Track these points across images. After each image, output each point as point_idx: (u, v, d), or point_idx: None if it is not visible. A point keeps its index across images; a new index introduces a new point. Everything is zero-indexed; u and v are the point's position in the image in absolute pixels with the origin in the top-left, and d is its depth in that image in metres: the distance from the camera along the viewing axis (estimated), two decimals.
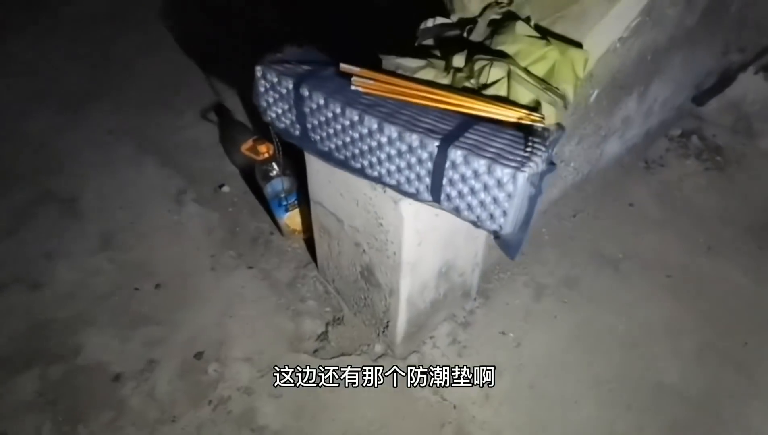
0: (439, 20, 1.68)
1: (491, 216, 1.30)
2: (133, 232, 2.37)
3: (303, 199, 1.99)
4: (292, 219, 2.14)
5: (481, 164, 1.25)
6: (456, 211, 1.36)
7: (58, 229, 2.39)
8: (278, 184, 2.03)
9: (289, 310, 2.05)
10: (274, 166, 2.03)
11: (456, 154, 1.27)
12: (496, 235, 1.37)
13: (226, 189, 2.53)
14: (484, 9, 1.62)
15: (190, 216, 2.43)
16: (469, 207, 1.32)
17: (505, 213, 1.28)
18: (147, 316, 2.07)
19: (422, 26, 1.68)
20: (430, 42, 1.62)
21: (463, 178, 1.29)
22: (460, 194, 1.32)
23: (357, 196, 1.61)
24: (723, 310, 2.06)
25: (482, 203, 1.29)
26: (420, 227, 1.52)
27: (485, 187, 1.27)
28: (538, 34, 1.50)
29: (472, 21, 1.62)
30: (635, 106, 2.32)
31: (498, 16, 1.60)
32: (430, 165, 1.32)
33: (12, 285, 2.16)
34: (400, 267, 1.59)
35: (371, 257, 1.70)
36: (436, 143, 1.30)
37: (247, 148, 1.99)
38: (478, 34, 1.57)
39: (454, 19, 1.69)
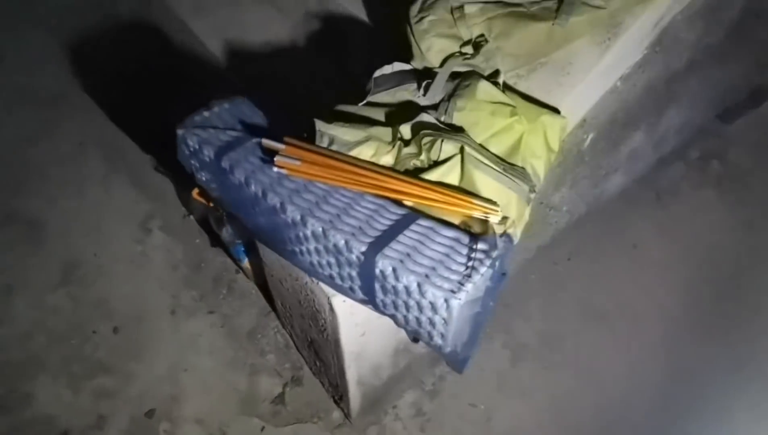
0: (398, 66, 1.43)
1: (429, 335, 1.10)
2: (96, 264, 2.25)
3: (254, 249, 1.81)
4: (247, 267, 1.98)
5: (411, 281, 1.04)
6: (394, 320, 1.17)
7: (20, 257, 2.29)
8: (230, 233, 1.86)
9: (246, 365, 1.91)
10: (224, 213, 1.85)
11: (384, 265, 1.07)
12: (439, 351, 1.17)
13: (193, 217, 2.37)
14: (446, 59, 1.37)
15: (156, 247, 2.29)
16: (406, 320, 1.13)
17: (443, 335, 1.08)
18: (102, 364, 1.96)
19: (377, 73, 1.43)
20: (380, 97, 1.38)
21: (395, 291, 1.09)
22: (395, 305, 1.12)
23: (297, 274, 1.43)
24: None
25: (418, 321, 1.10)
26: (360, 320, 1.33)
27: (419, 307, 1.06)
28: (504, 98, 1.25)
29: (432, 73, 1.37)
30: (643, 138, 2.03)
31: (462, 69, 1.35)
32: (358, 270, 1.12)
33: None
34: (342, 356, 1.41)
35: (316, 337, 1.53)
36: (362, 248, 1.09)
37: (197, 193, 1.81)
38: (435, 92, 1.32)
39: (414, 66, 1.44)
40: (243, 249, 1.92)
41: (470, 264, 1.04)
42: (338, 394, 1.71)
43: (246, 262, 2.00)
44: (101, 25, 3.15)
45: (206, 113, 1.37)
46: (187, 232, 2.32)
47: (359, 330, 1.36)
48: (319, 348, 1.60)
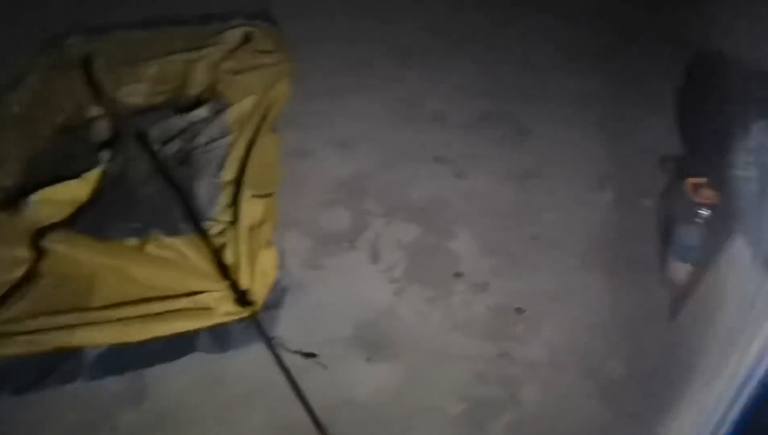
0: None
1: None
2: (547, 189, 2.59)
3: (707, 263, 1.79)
4: (680, 271, 1.97)
5: None
6: None
7: (506, 147, 2.80)
8: (695, 235, 1.86)
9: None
10: (705, 214, 1.85)
11: None
12: None
13: (647, 202, 2.45)
14: None
15: (600, 203, 2.49)
16: None
17: None
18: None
19: None
20: None
21: None
22: None
23: None
24: None
25: None
26: None
27: None
28: None
29: None
30: None
31: None
32: None
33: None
34: None
35: None
36: None
37: (693, 182, 1.86)
38: None
39: None
40: (689, 255, 1.91)
41: None
42: None
43: (674, 266, 1.99)
44: None
45: None
46: (630, 209, 2.44)
47: None
48: None
